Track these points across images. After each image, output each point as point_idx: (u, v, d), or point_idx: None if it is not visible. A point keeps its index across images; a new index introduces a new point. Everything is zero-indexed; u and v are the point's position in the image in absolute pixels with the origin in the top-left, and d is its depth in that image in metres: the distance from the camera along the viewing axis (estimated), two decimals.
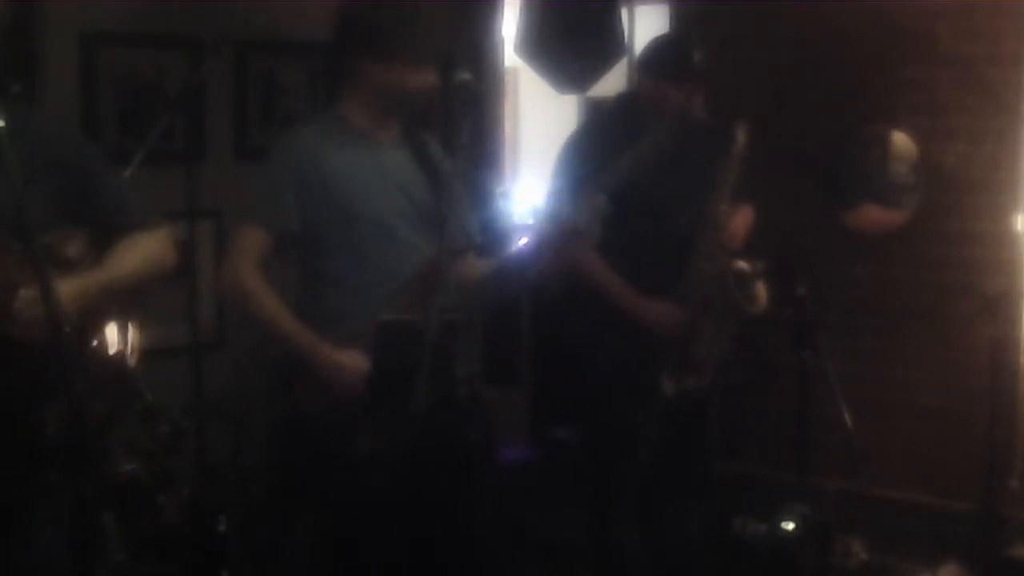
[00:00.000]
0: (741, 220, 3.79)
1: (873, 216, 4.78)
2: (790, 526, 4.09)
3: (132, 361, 2.67)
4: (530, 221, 4.42)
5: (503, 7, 5.62)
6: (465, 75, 3.07)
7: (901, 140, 4.71)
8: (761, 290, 3.70)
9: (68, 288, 2.43)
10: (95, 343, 2.56)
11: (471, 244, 3.16)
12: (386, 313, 2.98)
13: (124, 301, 2.65)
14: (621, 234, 3.22)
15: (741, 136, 3.65)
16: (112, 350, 2.60)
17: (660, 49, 3.79)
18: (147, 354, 4.49)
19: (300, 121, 5.00)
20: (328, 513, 3.35)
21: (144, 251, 2.70)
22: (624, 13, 5.58)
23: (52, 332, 2.23)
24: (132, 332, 2.66)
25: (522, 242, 3.07)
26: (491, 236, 3.34)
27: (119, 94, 4.52)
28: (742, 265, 3.69)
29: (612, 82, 5.61)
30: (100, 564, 3.37)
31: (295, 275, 3.24)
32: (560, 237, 3.02)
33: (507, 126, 5.96)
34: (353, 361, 3.03)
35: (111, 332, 2.61)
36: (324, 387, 3.07)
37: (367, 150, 3.15)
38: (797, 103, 4.88)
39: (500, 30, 5.61)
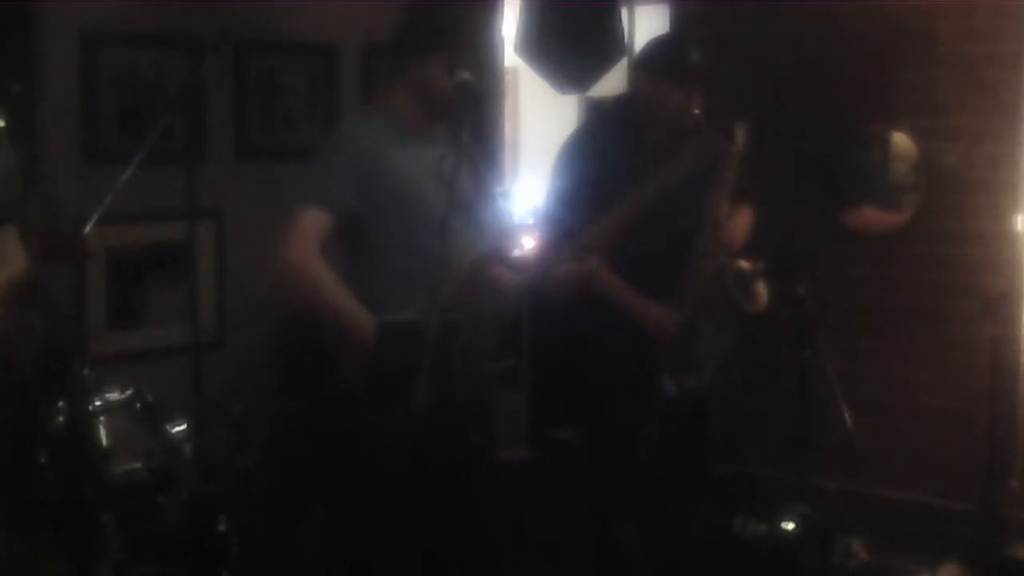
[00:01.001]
0: (741, 220, 3.79)
1: (872, 217, 4.78)
2: (790, 526, 4.09)
3: None
4: (530, 221, 4.42)
5: (503, 7, 5.62)
6: (465, 75, 3.10)
7: (901, 140, 4.71)
8: (761, 289, 3.70)
9: None
10: None
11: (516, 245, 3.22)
12: (427, 306, 2.98)
13: None
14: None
15: (741, 136, 3.65)
16: None
17: (658, 49, 3.79)
18: (147, 354, 4.52)
19: (300, 120, 5.04)
20: (331, 513, 3.36)
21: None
22: (624, 13, 5.58)
23: (52, 331, 2.24)
24: None
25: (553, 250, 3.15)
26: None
27: (119, 94, 4.53)
28: (742, 264, 3.68)
29: (612, 82, 5.61)
30: (100, 564, 3.37)
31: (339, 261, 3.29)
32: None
33: (507, 126, 5.96)
34: None
35: None
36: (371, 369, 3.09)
37: (418, 145, 3.20)
38: (797, 103, 4.88)
39: (500, 30, 5.61)
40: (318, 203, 3.19)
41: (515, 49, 5.61)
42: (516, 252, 3.21)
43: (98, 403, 3.56)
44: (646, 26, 5.56)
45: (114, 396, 3.63)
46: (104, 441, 3.52)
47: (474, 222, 3.24)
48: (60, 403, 3.48)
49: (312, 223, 3.18)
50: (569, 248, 3.22)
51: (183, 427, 3.74)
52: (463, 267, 3.14)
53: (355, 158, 3.19)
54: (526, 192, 4.27)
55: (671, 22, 5.27)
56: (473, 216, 3.24)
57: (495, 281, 3.21)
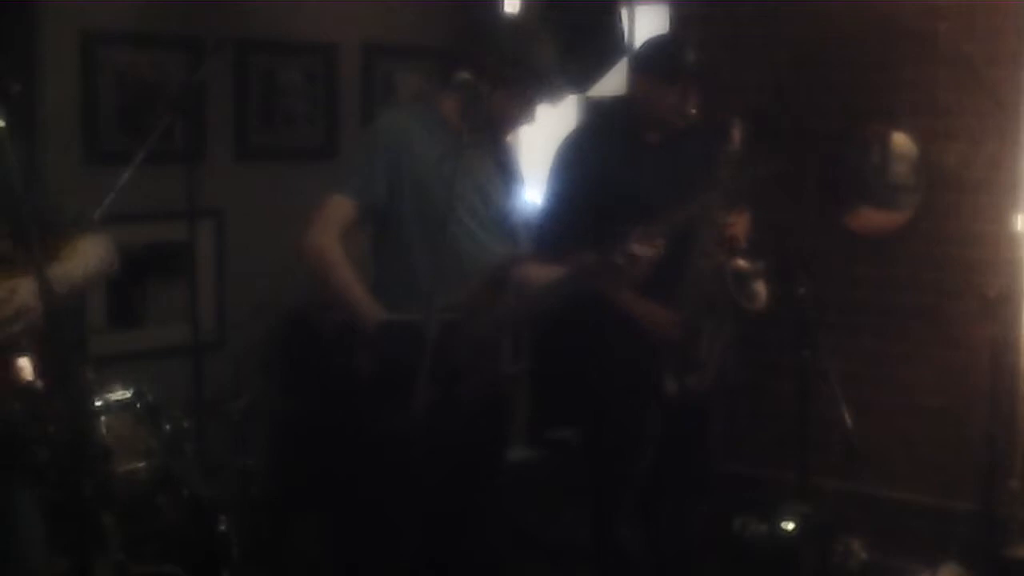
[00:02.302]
0: (739, 220, 3.78)
1: (872, 218, 4.78)
2: (790, 526, 4.09)
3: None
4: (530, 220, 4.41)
5: (503, 7, 5.62)
6: (465, 74, 3.11)
7: (901, 140, 4.70)
8: (761, 288, 3.70)
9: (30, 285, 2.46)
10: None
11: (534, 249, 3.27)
12: (447, 304, 2.99)
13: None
14: (620, 235, 3.25)
15: (737, 135, 3.65)
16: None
17: (654, 49, 3.80)
18: (147, 354, 4.52)
19: (300, 120, 5.05)
20: (331, 513, 3.37)
21: (94, 253, 2.74)
22: (624, 13, 5.57)
23: (51, 331, 2.24)
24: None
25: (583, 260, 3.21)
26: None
27: (119, 94, 4.53)
28: (741, 263, 3.68)
29: (612, 82, 5.61)
30: (100, 564, 3.37)
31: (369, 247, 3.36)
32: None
33: None
34: None
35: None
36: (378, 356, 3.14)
37: (452, 145, 3.20)
38: (797, 103, 4.88)
39: None
40: (346, 191, 3.24)
41: None
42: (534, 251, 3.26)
43: (98, 403, 3.56)
44: (646, 26, 5.55)
45: (114, 396, 3.63)
46: (104, 441, 3.52)
47: (498, 222, 3.28)
48: (60, 403, 3.48)
49: (337, 210, 3.23)
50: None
51: (183, 427, 3.74)
52: (486, 267, 3.17)
53: (386, 151, 3.24)
54: (526, 192, 4.28)
55: (671, 22, 5.26)
56: (497, 216, 3.28)
57: (516, 282, 3.23)
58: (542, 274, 3.30)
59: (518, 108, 3.33)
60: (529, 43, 3.34)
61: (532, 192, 4.79)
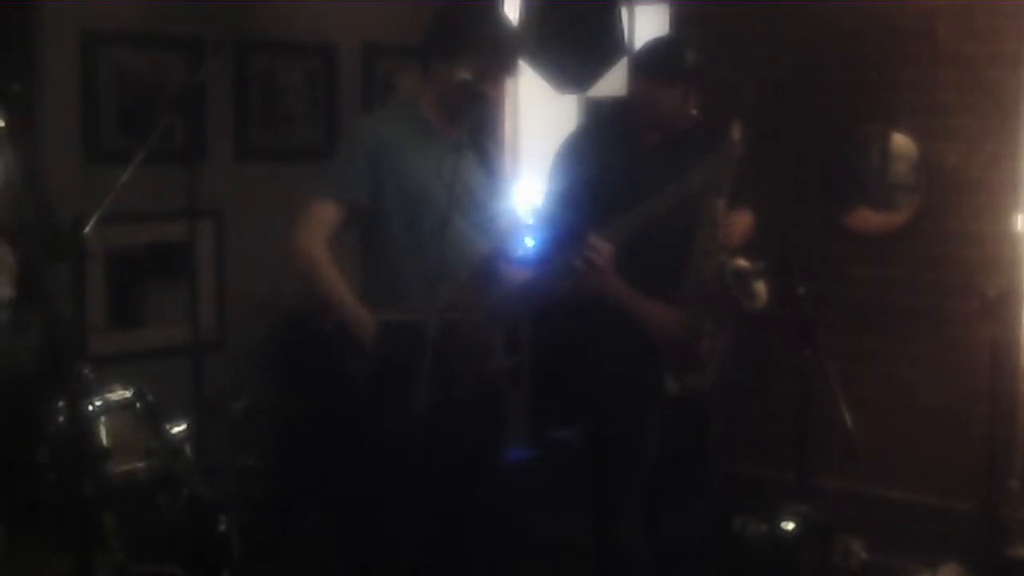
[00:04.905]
0: (740, 220, 3.79)
1: (872, 218, 4.78)
2: (790, 526, 4.08)
3: None
4: (530, 220, 4.41)
5: (503, 7, 5.62)
6: (465, 75, 3.11)
7: (901, 140, 4.71)
8: (761, 287, 3.70)
9: None
10: None
11: (521, 247, 3.27)
12: (427, 305, 3.00)
13: None
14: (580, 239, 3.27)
15: (737, 134, 3.65)
16: None
17: (653, 50, 3.80)
18: (147, 354, 4.52)
19: (300, 120, 5.05)
20: (331, 513, 3.37)
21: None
22: (624, 13, 5.58)
23: (52, 332, 2.24)
24: None
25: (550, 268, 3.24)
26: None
27: (119, 94, 4.53)
28: (741, 262, 3.68)
29: (612, 82, 5.61)
30: (100, 564, 3.38)
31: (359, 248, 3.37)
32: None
33: (507, 126, 5.96)
34: None
35: None
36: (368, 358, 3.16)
37: (436, 144, 3.21)
38: (797, 103, 4.88)
39: None
40: (330, 195, 3.24)
41: None
42: (520, 251, 3.24)
43: (98, 403, 3.56)
44: (646, 26, 5.56)
45: (114, 396, 3.63)
46: (104, 441, 3.52)
47: (485, 222, 3.28)
48: (60, 403, 3.48)
49: (323, 213, 3.24)
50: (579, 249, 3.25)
51: (183, 427, 3.74)
52: (471, 266, 3.17)
53: (369, 152, 3.23)
54: (526, 192, 4.29)
55: (671, 22, 5.27)
56: (484, 216, 3.28)
57: (503, 280, 3.23)
58: (517, 276, 3.30)
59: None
60: (524, 41, 3.35)
61: (532, 192, 4.78)
